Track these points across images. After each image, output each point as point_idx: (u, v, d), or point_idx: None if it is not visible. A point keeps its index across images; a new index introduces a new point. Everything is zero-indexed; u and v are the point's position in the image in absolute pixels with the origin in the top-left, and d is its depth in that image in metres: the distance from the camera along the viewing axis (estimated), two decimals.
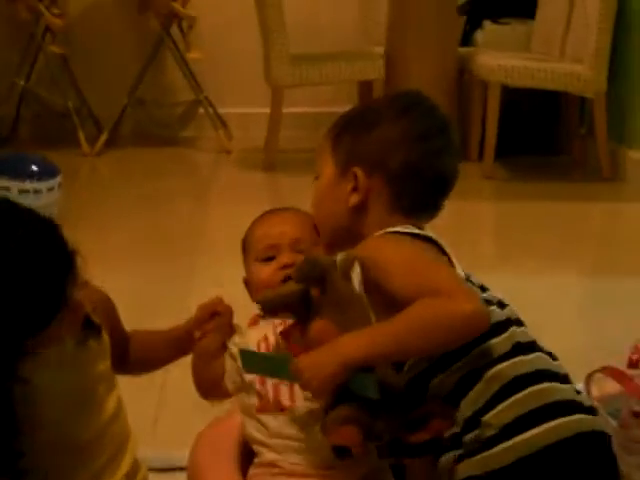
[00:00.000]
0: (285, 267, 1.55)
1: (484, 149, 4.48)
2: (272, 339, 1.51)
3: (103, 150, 4.87)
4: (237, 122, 5.22)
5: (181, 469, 1.64)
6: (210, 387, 1.55)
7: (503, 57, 4.49)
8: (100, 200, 4.09)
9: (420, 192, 1.49)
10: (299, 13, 4.94)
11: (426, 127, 1.51)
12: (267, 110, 4.70)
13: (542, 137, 4.88)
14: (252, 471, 1.48)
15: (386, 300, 1.35)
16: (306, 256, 1.42)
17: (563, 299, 2.96)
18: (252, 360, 1.43)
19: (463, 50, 4.86)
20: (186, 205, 4.25)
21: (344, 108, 5.35)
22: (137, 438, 1.46)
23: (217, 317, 1.55)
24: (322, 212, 1.55)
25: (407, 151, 1.48)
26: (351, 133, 1.53)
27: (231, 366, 1.52)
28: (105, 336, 1.42)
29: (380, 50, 4.78)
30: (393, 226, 1.45)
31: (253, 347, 1.51)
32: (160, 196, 4.29)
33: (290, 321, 1.46)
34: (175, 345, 1.60)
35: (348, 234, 1.50)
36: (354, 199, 1.49)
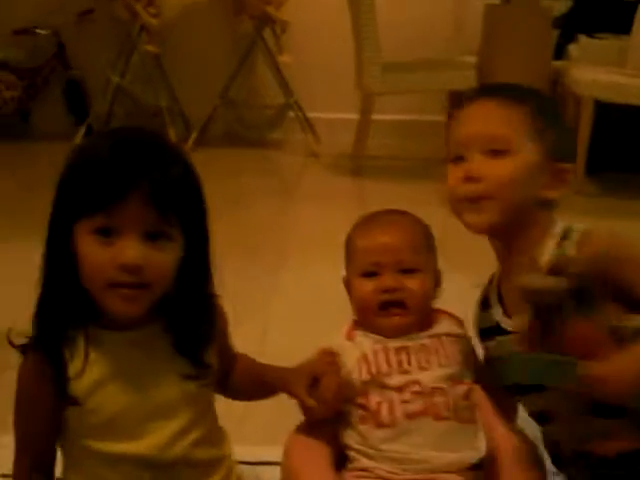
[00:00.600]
0: (387, 291, 1.52)
1: (575, 163, 4.42)
2: (371, 358, 1.50)
3: (193, 149, 4.93)
4: (326, 127, 5.25)
5: (270, 463, 1.65)
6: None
7: (597, 72, 4.44)
8: None
9: None
10: (392, 20, 4.96)
11: None
12: (356, 116, 4.73)
13: (634, 153, 4.80)
14: (346, 474, 1.48)
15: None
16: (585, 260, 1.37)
17: None
18: (524, 366, 1.32)
19: (557, 63, 4.81)
20: (273, 207, 4.27)
21: (434, 117, 5.33)
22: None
23: (331, 381, 1.50)
24: (513, 192, 1.46)
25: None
26: (554, 126, 1.50)
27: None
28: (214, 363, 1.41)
29: (472, 60, 4.75)
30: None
31: (353, 367, 1.50)
32: (247, 197, 4.35)
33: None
34: (273, 385, 1.55)
35: (519, 223, 1.46)
36: (554, 194, 1.47)
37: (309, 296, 2.84)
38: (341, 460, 1.51)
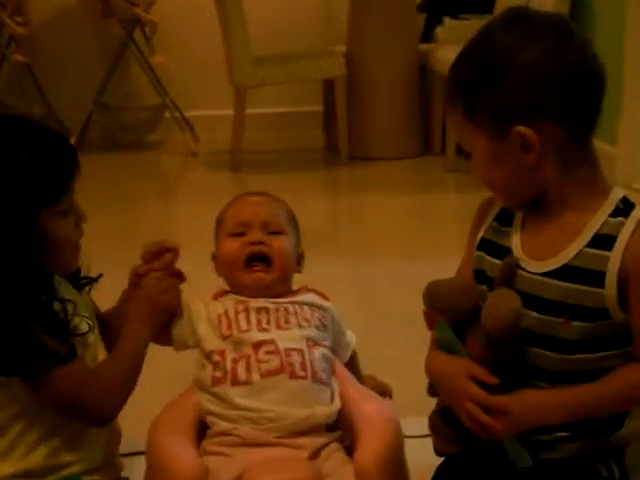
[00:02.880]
0: (253, 244, 1.62)
1: (446, 143, 4.54)
2: (232, 314, 1.57)
3: None
4: (203, 124, 5.25)
5: (142, 453, 1.68)
6: None
7: None
8: None
9: (586, 111, 1.33)
10: (260, 13, 5.00)
11: (554, 37, 1.31)
12: (232, 112, 4.72)
13: None
14: (205, 442, 1.52)
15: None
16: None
17: None
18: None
19: (424, 46, 4.90)
20: (154, 208, 4.28)
21: (309, 107, 5.34)
22: None
23: (164, 255, 1.60)
24: (497, 182, 1.39)
25: (557, 78, 1.30)
26: (484, 91, 1.32)
27: (186, 323, 1.59)
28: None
29: (341, 48, 4.82)
30: (577, 165, 1.34)
31: (214, 319, 1.58)
32: (128, 200, 4.33)
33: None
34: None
35: (531, 189, 1.38)
36: (531, 159, 1.32)
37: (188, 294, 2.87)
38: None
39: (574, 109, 1.31)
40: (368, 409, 1.52)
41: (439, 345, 1.43)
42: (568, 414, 1.33)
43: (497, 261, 1.41)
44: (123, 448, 1.59)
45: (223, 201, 4.22)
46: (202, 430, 1.55)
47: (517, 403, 1.32)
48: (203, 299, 1.63)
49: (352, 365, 1.69)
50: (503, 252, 1.41)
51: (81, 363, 1.43)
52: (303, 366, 1.52)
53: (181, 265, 3.10)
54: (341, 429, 1.53)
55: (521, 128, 1.30)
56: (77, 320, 1.45)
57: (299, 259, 1.70)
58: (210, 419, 1.53)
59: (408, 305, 2.75)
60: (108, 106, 5.29)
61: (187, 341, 1.60)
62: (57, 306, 1.43)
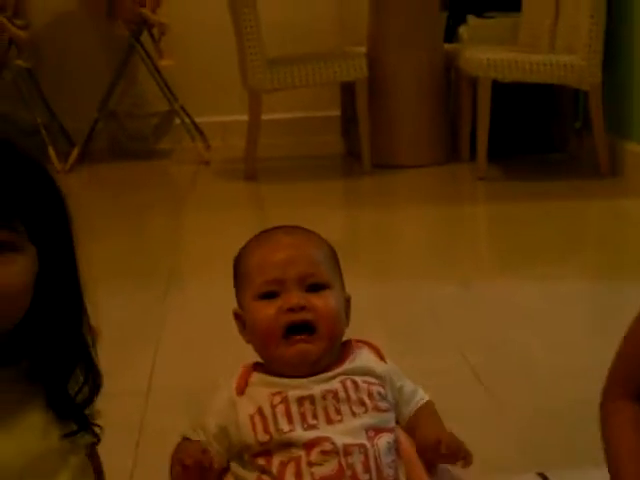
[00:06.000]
0: (291, 310, 1.27)
1: (476, 149, 4.26)
2: (268, 412, 1.24)
3: (75, 166, 4.68)
4: (215, 131, 5.04)
5: None
6: None
7: (492, 51, 4.28)
8: (73, 218, 3.88)
9: None
10: (275, 15, 4.79)
11: None
12: (246, 117, 4.49)
13: (536, 134, 4.68)
14: None
15: None
16: None
17: (570, 308, 2.74)
18: None
19: (448, 46, 4.66)
20: (163, 221, 4.05)
21: (327, 112, 5.15)
22: None
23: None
24: None
25: None
26: None
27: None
28: None
29: (361, 49, 4.57)
30: None
31: (247, 427, 1.25)
32: (136, 212, 4.11)
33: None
34: None
35: None
36: None
37: (207, 322, 2.61)
38: None
39: None
40: None
41: None
42: None
43: None
44: None
45: (237, 214, 3.98)
46: None
47: None
48: (230, 401, 1.28)
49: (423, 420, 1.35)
50: None
51: None
52: (366, 467, 1.20)
53: (192, 286, 2.83)
54: None
55: None
56: None
57: (347, 305, 1.34)
58: None
59: (440, 332, 2.52)
60: (114, 113, 5.04)
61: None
62: None
